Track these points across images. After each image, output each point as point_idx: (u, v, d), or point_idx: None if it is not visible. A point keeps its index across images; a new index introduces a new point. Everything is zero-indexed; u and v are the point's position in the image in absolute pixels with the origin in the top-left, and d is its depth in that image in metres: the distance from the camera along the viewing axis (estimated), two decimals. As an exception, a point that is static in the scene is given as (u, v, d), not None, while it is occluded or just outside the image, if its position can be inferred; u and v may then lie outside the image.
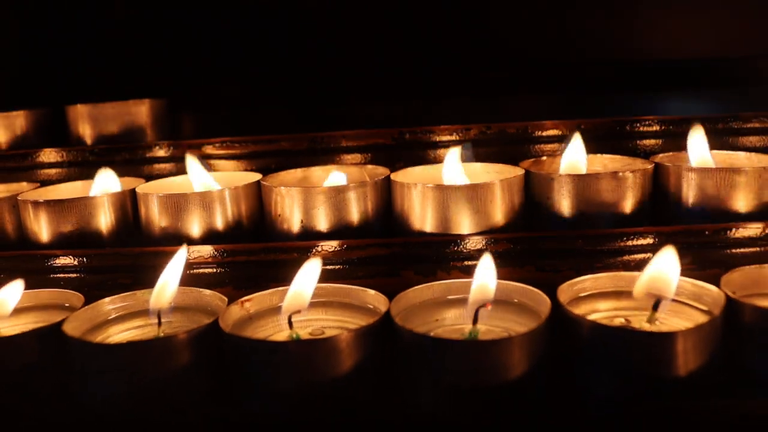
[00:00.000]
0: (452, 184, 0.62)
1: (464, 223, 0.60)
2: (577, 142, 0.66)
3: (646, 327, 0.52)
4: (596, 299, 0.55)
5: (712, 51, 0.90)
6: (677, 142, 0.72)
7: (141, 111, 0.85)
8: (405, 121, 0.76)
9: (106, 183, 0.73)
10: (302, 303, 0.53)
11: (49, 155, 0.82)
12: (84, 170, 0.81)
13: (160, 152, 0.79)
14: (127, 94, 0.87)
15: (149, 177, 0.78)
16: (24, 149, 0.84)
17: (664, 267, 0.51)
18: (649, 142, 0.73)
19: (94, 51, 0.98)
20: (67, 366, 0.53)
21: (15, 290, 0.60)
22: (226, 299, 0.56)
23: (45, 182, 0.81)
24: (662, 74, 0.90)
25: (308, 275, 0.54)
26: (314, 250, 0.60)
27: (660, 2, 0.91)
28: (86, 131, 0.86)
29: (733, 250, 0.58)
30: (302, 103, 0.92)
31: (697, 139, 0.66)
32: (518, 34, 0.92)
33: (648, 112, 0.76)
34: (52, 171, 0.83)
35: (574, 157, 0.65)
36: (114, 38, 0.97)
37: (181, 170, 0.77)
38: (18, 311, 0.61)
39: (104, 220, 0.69)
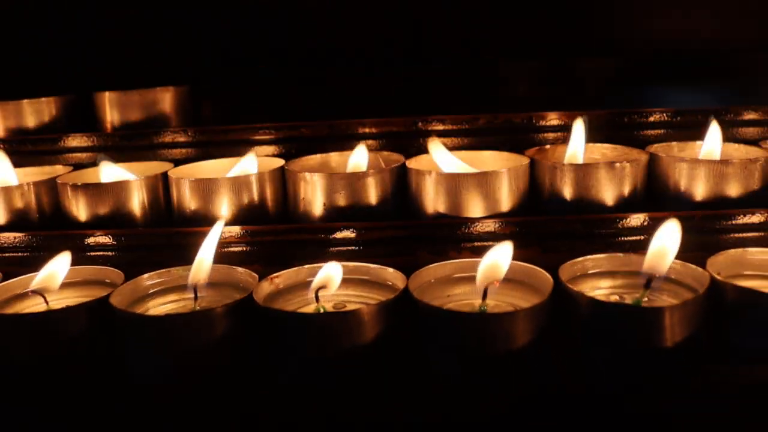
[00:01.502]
0: (463, 172, 0.67)
1: (474, 208, 0.65)
2: (578, 131, 0.71)
3: (641, 303, 0.57)
4: (594, 278, 0.61)
5: (716, 42, 0.93)
6: (674, 133, 0.78)
7: (165, 98, 0.90)
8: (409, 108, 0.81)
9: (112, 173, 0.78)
10: (331, 283, 0.58)
11: (79, 140, 0.87)
12: (112, 154, 0.86)
13: (185, 137, 0.84)
14: (147, 82, 0.91)
15: (176, 161, 0.83)
16: (54, 134, 0.88)
17: (664, 244, 0.57)
18: (647, 132, 0.78)
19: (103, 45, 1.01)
20: (113, 336, 0.59)
21: (63, 262, 0.65)
22: (256, 276, 0.61)
23: (76, 165, 0.85)
24: (665, 65, 0.94)
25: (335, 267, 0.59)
26: (337, 232, 0.65)
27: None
28: (114, 117, 0.90)
29: (719, 236, 0.63)
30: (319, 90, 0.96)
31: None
32: (520, 26, 0.96)
33: (650, 103, 0.80)
34: (83, 155, 0.87)
35: (575, 147, 0.70)
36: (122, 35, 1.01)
37: (206, 154, 0.82)
38: (62, 286, 0.67)
39: (137, 202, 0.74)
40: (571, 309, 0.55)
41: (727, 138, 0.76)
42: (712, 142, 0.70)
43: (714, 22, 0.92)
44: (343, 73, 0.92)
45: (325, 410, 0.55)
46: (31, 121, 0.91)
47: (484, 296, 0.57)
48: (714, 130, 0.70)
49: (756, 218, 0.64)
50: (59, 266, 0.64)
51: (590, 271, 0.61)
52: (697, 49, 0.91)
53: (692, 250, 0.62)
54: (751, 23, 0.93)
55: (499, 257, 0.57)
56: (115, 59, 0.99)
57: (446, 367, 0.55)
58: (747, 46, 0.92)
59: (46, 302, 0.64)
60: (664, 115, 0.78)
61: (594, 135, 0.77)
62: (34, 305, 0.65)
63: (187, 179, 0.71)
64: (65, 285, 0.67)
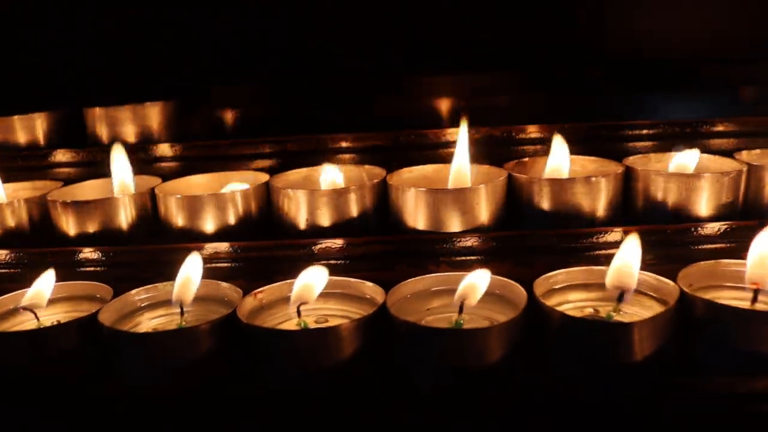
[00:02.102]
0: (442, 188, 0.69)
1: (452, 223, 0.67)
2: (559, 146, 0.72)
3: (613, 316, 0.59)
4: (569, 291, 0.62)
5: (701, 52, 0.94)
6: (653, 144, 0.79)
7: (154, 113, 0.91)
8: (401, 120, 0.82)
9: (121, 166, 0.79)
10: (310, 297, 0.60)
11: (68, 155, 0.88)
12: (102, 169, 0.87)
13: (174, 152, 0.86)
14: (136, 96, 0.92)
15: (164, 175, 0.84)
16: (44, 149, 0.90)
17: (627, 260, 0.58)
18: (626, 143, 0.80)
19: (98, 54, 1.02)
20: (103, 351, 0.60)
21: (49, 280, 0.67)
22: (240, 291, 0.63)
23: (66, 180, 0.87)
24: (647, 75, 0.95)
25: (316, 276, 0.61)
26: (318, 247, 0.67)
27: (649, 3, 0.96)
28: (103, 132, 0.91)
29: (692, 248, 0.65)
30: (306, 103, 0.97)
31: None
32: (507, 33, 0.97)
33: (633, 112, 0.81)
34: (72, 170, 0.89)
35: (558, 161, 0.72)
36: (118, 39, 1.02)
37: (194, 169, 0.84)
38: (52, 301, 0.68)
39: (125, 218, 0.75)
40: (544, 323, 0.56)
41: (704, 149, 0.78)
42: (683, 158, 0.72)
43: (694, 33, 0.93)
44: (327, 86, 0.93)
45: (323, 411, 0.57)
46: (21, 137, 0.93)
47: (461, 311, 0.58)
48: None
49: (729, 229, 0.65)
50: (46, 283, 0.66)
51: (565, 285, 0.62)
52: (678, 59, 0.92)
53: (667, 263, 0.64)
54: (734, 35, 0.94)
55: (478, 281, 0.58)
56: (109, 70, 1.00)
57: (423, 379, 0.56)
58: (730, 58, 0.93)
59: (37, 318, 0.65)
60: (643, 127, 0.79)
61: (574, 147, 0.78)
62: (26, 320, 0.67)
63: (174, 196, 0.72)
64: (56, 300, 0.69)
